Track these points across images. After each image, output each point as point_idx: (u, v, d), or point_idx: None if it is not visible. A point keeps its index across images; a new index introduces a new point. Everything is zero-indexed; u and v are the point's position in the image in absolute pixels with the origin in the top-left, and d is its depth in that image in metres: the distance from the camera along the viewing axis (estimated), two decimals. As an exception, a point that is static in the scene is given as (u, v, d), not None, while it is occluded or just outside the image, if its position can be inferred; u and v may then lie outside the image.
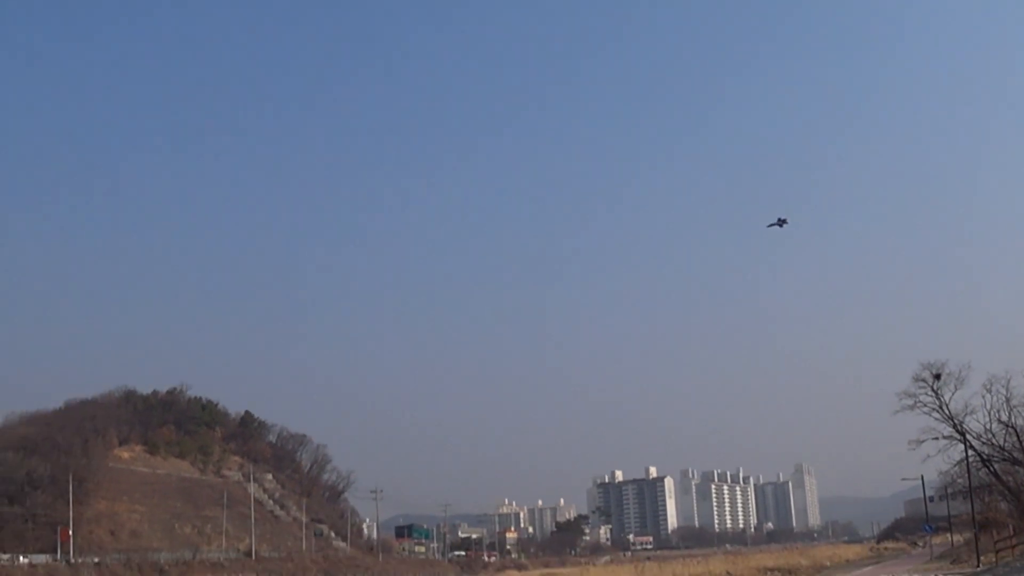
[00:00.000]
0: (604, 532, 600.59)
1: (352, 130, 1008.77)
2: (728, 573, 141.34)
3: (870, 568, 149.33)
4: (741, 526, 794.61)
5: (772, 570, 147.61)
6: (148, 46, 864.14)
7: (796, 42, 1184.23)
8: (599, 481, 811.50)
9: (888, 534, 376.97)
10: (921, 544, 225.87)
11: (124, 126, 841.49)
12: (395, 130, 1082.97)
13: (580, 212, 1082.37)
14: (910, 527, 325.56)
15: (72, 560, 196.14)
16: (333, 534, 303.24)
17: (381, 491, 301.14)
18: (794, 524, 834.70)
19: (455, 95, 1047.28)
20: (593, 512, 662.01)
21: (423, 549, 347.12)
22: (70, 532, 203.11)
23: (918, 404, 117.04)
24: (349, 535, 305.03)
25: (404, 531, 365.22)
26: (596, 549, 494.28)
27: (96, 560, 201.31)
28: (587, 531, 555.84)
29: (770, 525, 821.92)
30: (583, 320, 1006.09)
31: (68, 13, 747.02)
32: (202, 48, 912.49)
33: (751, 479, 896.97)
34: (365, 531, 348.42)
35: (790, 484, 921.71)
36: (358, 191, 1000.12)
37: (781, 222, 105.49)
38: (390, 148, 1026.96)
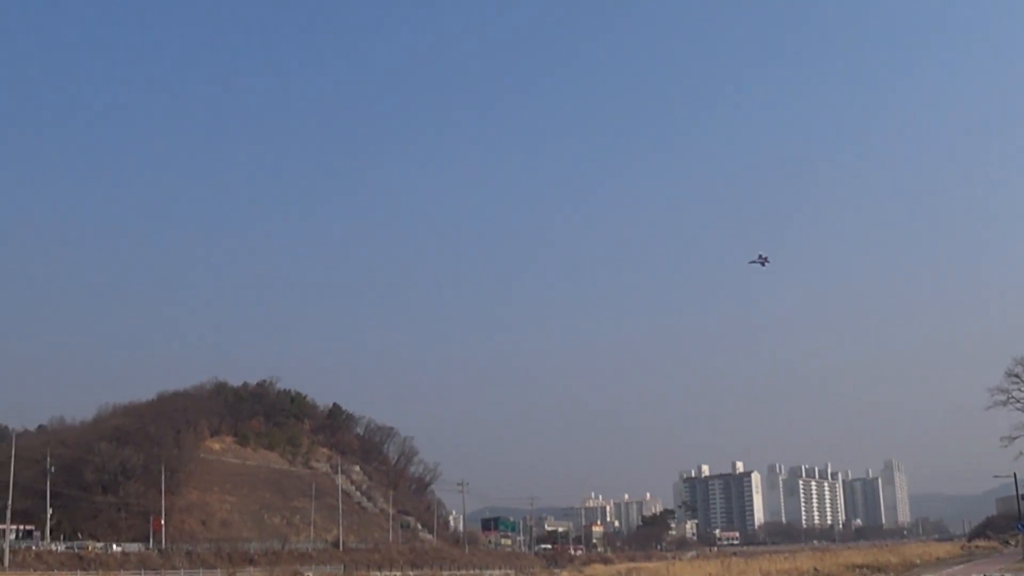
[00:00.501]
0: (690, 527, 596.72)
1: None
2: (816, 570, 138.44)
3: (961, 567, 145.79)
4: (829, 522, 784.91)
5: (861, 567, 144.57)
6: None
7: (800, 47, 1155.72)
8: (685, 476, 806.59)
9: (979, 532, 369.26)
10: (1013, 543, 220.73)
11: (258, 135, 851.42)
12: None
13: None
14: (1002, 525, 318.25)
15: (164, 549, 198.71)
16: (420, 526, 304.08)
17: (467, 483, 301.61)
18: (883, 521, 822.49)
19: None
20: (679, 507, 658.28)
21: (509, 542, 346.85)
22: (162, 521, 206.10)
23: (1011, 400, 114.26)
24: (436, 527, 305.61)
25: (490, 524, 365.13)
26: (682, 544, 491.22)
27: (187, 549, 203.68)
28: (673, 526, 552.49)
29: (858, 522, 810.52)
30: (670, 313, 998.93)
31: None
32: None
33: (839, 475, 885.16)
34: (451, 523, 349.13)
35: (879, 480, 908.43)
36: (431, 183, 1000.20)
37: (763, 260, 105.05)
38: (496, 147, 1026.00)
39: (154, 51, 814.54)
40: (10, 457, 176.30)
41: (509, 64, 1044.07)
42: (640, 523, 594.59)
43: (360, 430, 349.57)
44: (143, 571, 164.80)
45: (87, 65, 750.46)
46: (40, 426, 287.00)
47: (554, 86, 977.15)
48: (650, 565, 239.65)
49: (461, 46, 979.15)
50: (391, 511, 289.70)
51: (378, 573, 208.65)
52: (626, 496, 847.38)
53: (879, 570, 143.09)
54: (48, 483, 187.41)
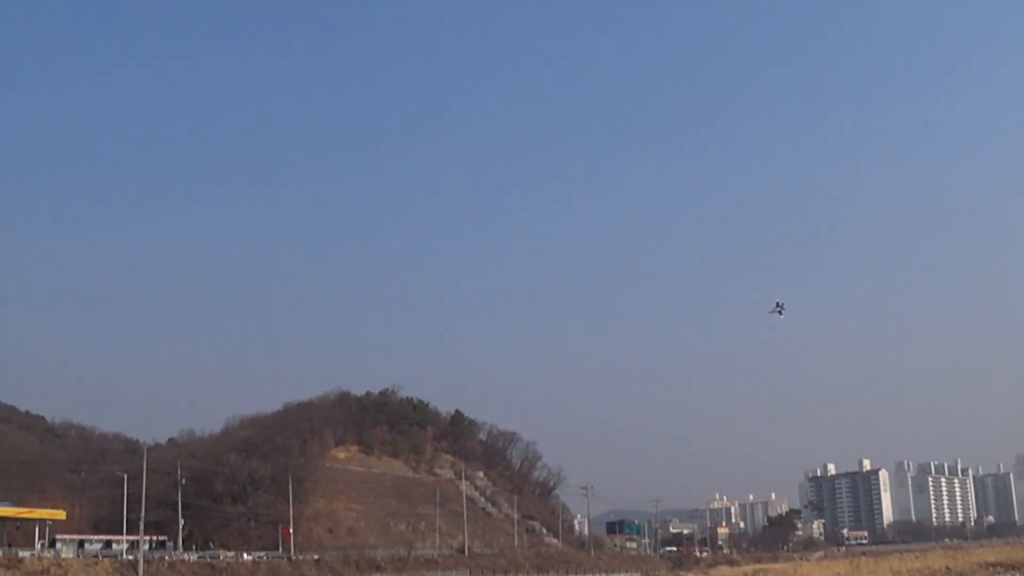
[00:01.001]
0: (817, 527, 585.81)
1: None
2: (948, 568, 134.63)
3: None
4: (960, 520, 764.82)
5: (994, 565, 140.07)
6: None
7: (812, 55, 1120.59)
8: (811, 474, 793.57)
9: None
10: None
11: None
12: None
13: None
14: None
15: (293, 557, 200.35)
16: (545, 530, 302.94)
17: (592, 487, 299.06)
18: (1016, 518, 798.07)
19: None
20: (805, 506, 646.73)
21: (634, 545, 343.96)
22: (291, 530, 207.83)
23: None
24: (560, 531, 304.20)
25: (615, 527, 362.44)
26: (809, 544, 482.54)
27: (316, 557, 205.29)
28: (799, 526, 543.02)
29: (990, 519, 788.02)
30: (789, 312, 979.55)
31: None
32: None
33: (969, 470, 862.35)
34: (576, 527, 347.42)
35: (1011, 476, 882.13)
36: (548, 183, 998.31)
37: (779, 309, 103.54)
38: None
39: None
40: (142, 470, 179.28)
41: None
42: (766, 524, 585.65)
43: (483, 436, 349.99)
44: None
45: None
46: (170, 439, 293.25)
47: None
48: (777, 566, 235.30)
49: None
50: (516, 516, 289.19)
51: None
52: (751, 497, 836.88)
53: (1013, 568, 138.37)
54: (179, 494, 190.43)
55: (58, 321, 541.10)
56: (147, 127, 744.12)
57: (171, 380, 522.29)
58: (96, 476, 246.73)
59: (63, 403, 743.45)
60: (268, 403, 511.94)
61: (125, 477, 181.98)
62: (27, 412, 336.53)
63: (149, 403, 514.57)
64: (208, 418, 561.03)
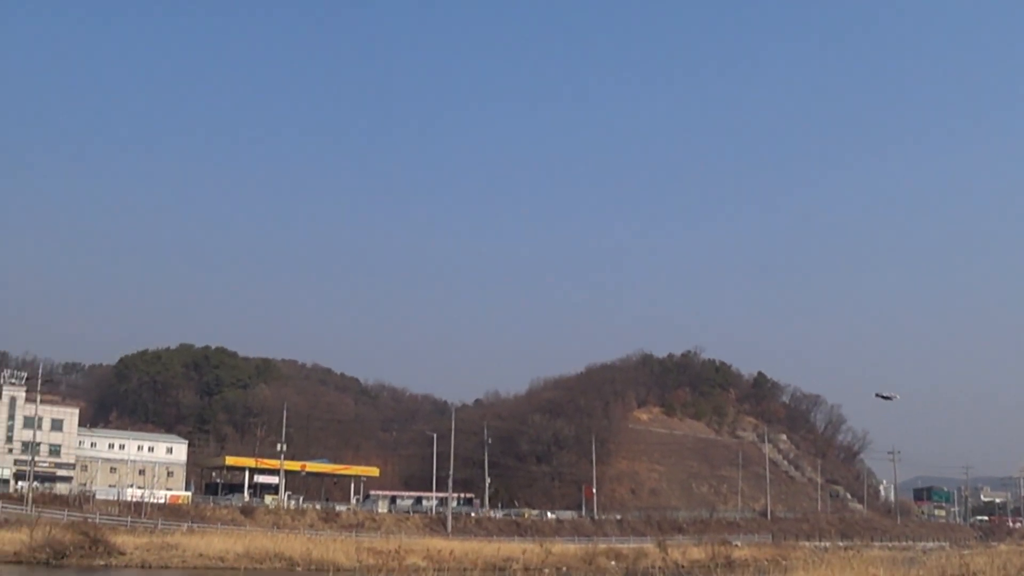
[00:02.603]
0: None
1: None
2: None
3: None
4: None
5: None
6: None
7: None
8: None
9: None
10: None
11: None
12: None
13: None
14: None
15: (596, 516, 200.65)
16: (849, 496, 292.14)
17: (899, 452, 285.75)
18: None
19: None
20: None
21: (943, 513, 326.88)
22: (593, 490, 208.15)
23: None
24: (865, 497, 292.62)
25: (923, 494, 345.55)
26: None
27: (618, 517, 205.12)
28: None
29: None
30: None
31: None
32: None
33: None
34: (882, 493, 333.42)
35: None
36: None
37: (887, 398, 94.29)
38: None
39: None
40: (451, 430, 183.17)
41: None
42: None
43: (786, 398, 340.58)
44: (576, 537, 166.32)
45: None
46: (477, 400, 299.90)
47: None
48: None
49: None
50: (819, 480, 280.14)
51: (807, 543, 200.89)
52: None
53: None
54: (486, 453, 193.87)
55: (370, 292, 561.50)
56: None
57: (477, 345, 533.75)
58: (407, 435, 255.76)
59: (376, 366, 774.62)
60: (571, 365, 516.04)
61: (435, 436, 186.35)
62: (342, 374, 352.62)
63: (457, 365, 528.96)
64: (513, 380, 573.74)
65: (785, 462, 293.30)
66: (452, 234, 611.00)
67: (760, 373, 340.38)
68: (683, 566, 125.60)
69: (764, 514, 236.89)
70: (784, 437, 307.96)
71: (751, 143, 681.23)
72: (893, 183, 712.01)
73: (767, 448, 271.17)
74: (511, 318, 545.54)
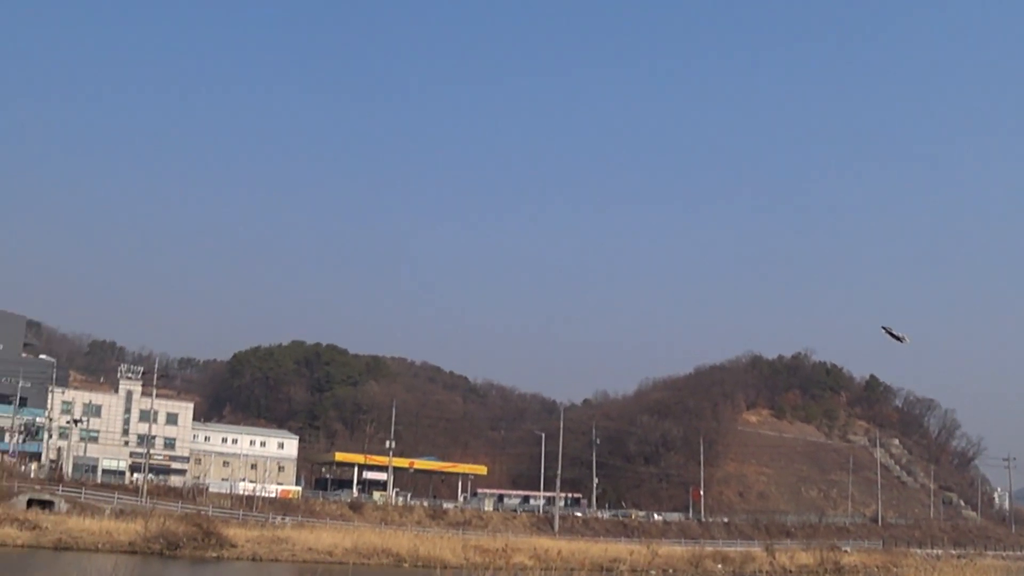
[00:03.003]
0: None
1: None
2: None
3: None
4: None
5: None
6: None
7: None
8: None
9: None
10: None
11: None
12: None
13: None
14: None
15: (703, 519, 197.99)
16: (962, 503, 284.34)
17: (1014, 459, 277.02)
18: None
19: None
20: None
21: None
22: (701, 492, 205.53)
23: None
24: (979, 504, 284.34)
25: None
26: None
27: (725, 520, 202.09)
28: None
29: None
30: None
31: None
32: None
33: None
34: (996, 501, 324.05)
35: None
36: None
37: (896, 337, 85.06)
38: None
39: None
40: (559, 429, 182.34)
41: None
42: None
43: (899, 402, 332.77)
44: (683, 540, 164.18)
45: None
46: (585, 400, 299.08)
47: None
48: None
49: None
50: (932, 487, 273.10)
51: (918, 551, 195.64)
52: None
53: None
54: (594, 453, 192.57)
55: (480, 291, 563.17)
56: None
57: (587, 343, 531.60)
58: (515, 434, 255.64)
59: (485, 364, 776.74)
60: (680, 366, 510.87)
61: (543, 436, 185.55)
62: (452, 373, 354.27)
63: (566, 365, 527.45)
64: (622, 380, 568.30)
65: (897, 467, 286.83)
66: (563, 234, 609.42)
67: (872, 376, 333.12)
68: (791, 571, 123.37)
69: (875, 520, 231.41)
70: (896, 442, 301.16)
71: (870, 137, 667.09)
72: None
73: (878, 453, 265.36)
74: (621, 318, 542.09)
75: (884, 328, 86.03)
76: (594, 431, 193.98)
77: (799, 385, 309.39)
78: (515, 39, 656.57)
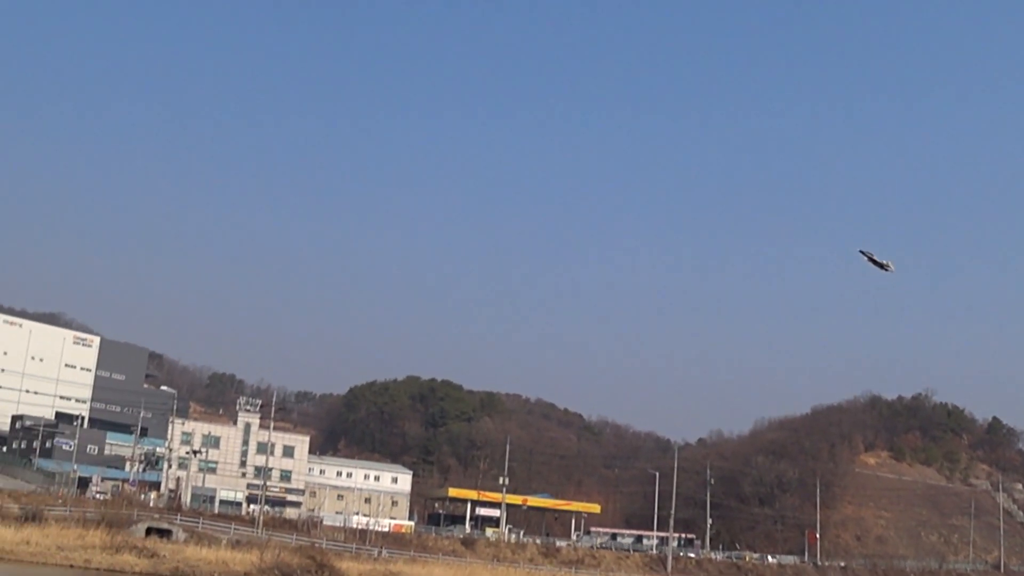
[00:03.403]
0: None
1: None
2: None
3: None
4: None
5: None
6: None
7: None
8: None
9: None
10: None
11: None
12: None
13: None
14: None
15: (819, 563, 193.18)
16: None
17: None
18: None
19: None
20: None
21: None
22: (817, 535, 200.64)
23: None
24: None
25: None
26: None
27: (842, 564, 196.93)
28: None
29: None
30: None
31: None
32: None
33: None
34: None
35: None
36: None
37: (879, 264, 76.95)
38: None
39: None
40: (673, 468, 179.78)
41: None
42: None
43: (1022, 446, 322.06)
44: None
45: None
46: (700, 439, 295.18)
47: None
48: None
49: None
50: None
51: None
52: None
53: None
54: (708, 494, 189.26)
55: (594, 329, 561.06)
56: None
57: (702, 381, 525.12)
58: (629, 472, 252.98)
59: (600, 402, 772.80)
60: (797, 405, 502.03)
61: (656, 474, 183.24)
62: (566, 410, 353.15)
63: (681, 403, 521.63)
64: (737, 419, 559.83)
65: (1021, 512, 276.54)
66: (677, 271, 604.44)
67: (995, 418, 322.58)
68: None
69: (997, 567, 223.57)
70: (1020, 486, 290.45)
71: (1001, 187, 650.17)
72: None
73: (1001, 497, 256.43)
74: (737, 356, 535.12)
75: (863, 252, 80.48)
76: (708, 471, 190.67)
77: (919, 427, 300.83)
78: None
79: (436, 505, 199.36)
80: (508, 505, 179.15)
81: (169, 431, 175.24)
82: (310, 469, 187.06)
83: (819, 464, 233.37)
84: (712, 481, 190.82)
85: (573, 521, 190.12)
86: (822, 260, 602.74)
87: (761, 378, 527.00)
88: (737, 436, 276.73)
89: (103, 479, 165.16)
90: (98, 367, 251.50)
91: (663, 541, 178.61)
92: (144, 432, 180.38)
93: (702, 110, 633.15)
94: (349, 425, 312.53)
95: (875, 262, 78.86)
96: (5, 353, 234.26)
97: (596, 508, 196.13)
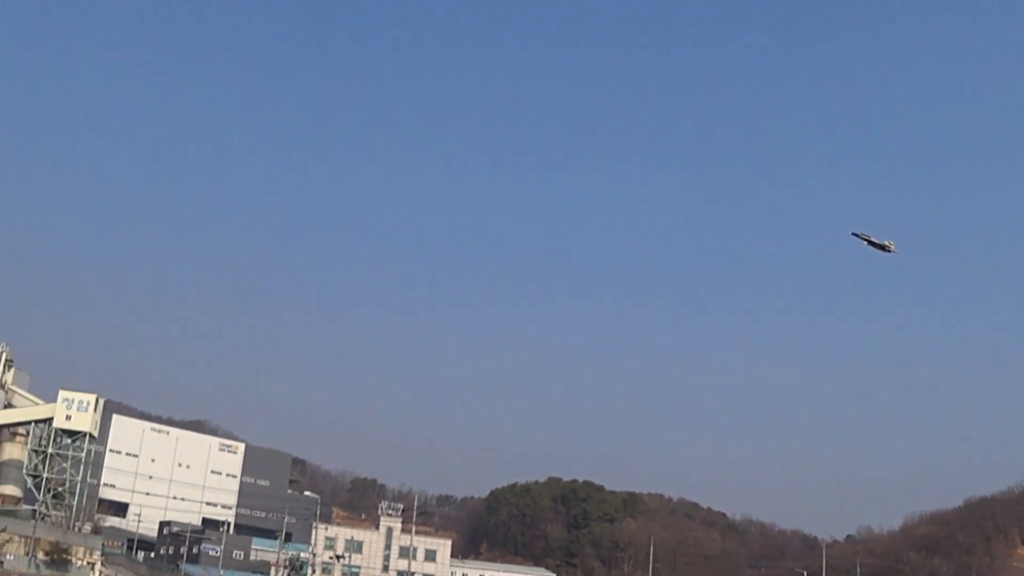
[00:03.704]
0: None
1: None
2: None
3: None
4: None
5: None
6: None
7: None
8: None
9: None
10: None
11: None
12: None
13: None
14: None
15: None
16: None
17: None
18: None
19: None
20: None
21: None
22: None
23: None
24: None
25: None
26: None
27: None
28: None
29: None
30: None
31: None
32: None
33: None
34: None
35: None
36: None
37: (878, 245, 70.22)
38: None
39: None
40: (821, 567, 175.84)
41: None
42: None
43: None
44: None
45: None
46: (848, 536, 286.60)
47: None
48: None
49: None
50: None
51: None
52: None
53: None
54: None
55: (735, 425, 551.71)
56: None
57: (849, 475, 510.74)
58: (775, 571, 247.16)
59: (744, 500, 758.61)
60: (949, 498, 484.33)
61: (804, 574, 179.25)
62: (709, 509, 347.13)
63: (827, 499, 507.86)
64: (887, 514, 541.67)
65: None
66: (819, 361, 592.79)
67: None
68: None
69: None
70: None
71: None
72: None
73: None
74: (884, 448, 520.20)
75: (856, 235, 75.36)
76: (858, 569, 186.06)
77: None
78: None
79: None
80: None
81: (313, 536, 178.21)
82: (452, 573, 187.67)
83: (974, 559, 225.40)
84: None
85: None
86: (975, 341, 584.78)
87: (910, 470, 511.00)
88: (887, 532, 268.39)
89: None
90: (243, 473, 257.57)
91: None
92: (288, 537, 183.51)
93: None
94: (491, 528, 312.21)
95: (873, 244, 75.76)
96: (153, 460, 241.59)
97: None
